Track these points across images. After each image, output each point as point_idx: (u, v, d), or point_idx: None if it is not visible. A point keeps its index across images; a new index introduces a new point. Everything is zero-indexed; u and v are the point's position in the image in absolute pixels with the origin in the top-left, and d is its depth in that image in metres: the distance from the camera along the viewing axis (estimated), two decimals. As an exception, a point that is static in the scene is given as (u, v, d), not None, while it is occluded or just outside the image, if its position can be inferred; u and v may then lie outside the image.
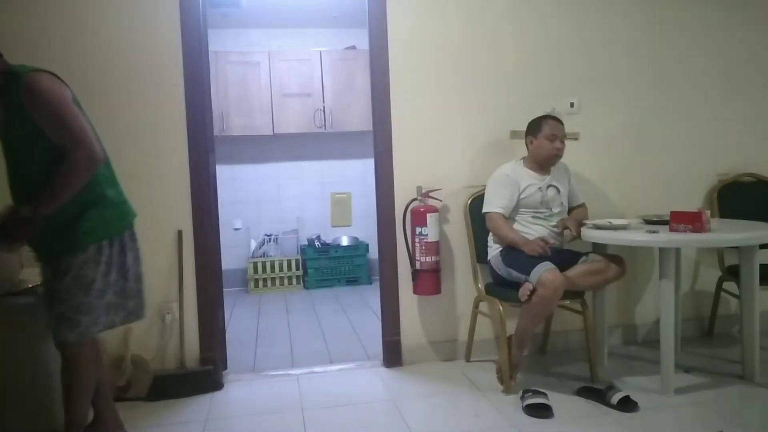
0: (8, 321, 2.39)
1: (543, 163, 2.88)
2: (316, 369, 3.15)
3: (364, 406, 2.68)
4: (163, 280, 2.94)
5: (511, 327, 2.78)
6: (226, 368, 3.08)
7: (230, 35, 5.43)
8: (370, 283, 5.44)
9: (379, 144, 3.13)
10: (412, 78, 3.10)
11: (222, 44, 5.30)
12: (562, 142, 2.85)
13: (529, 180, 2.86)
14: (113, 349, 2.87)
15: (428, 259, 3.00)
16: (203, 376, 2.89)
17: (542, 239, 2.73)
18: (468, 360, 3.16)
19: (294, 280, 5.48)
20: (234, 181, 5.56)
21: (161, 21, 2.89)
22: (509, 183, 2.84)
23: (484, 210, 2.90)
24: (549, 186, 2.88)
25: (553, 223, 2.87)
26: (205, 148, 2.97)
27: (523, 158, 2.95)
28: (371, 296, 4.91)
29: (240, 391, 2.91)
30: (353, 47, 5.48)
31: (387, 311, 3.17)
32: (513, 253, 2.77)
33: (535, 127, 2.88)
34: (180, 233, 2.94)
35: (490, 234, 2.92)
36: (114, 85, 2.86)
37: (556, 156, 2.86)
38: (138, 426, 2.54)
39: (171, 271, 2.94)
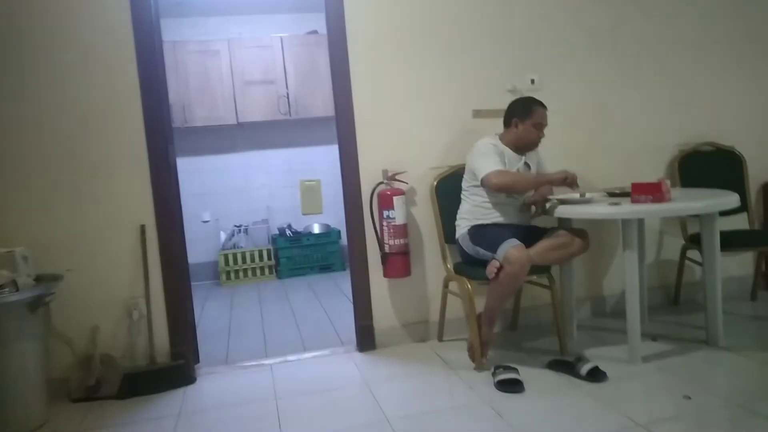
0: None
1: (522, 147, 2.87)
2: (290, 357, 3.14)
3: (338, 391, 2.68)
4: (128, 276, 2.89)
5: (480, 305, 2.81)
6: (198, 362, 3.05)
7: (187, 24, 5.31)
8: (344, 270, 5.43)
9: (342, 128, 3.11)
10: (371, 60, 3.08)
11: (179, 34, 5.19)
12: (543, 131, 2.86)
13: (509, 156, 2.85)
14: (81, 348, 2.82)
15: (397, 242, 3.00)
16: (175, 370, 2.86)
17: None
18: (440, 340, 3.18)
19: (266, 271, 5.45)
20: (200, 173, 5.48)
21: (111, 10, 2.80)
22: (497, 153, 2.79)
23: (482, 174, 2.73)
24: (524, 163, 2.89)
25: (521, 201, 2.89)
26: (163, 140, 2.90)
27: (499, 135, 2.91)
28: (345, 282, 4.89)
29: (213, 383, 2.89)
30: (315, 32, 5.41)
31: (359, 296, 3.17)
32: (480, 231, 2.78)
33: (525, 111, 2.83)
34: (143, 227, 2.89)
35: (460, 213, 2.92)
36: (66, 78, 2.78)
37: (537, 144, 2.88)
38: (110, 425, 2.51)
39: (136, 267, 2.89)
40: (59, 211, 2.80)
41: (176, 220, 2.99)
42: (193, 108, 5.12)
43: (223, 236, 5.49)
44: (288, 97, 5.32)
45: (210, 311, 4.42)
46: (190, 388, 2.84)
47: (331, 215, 5.66)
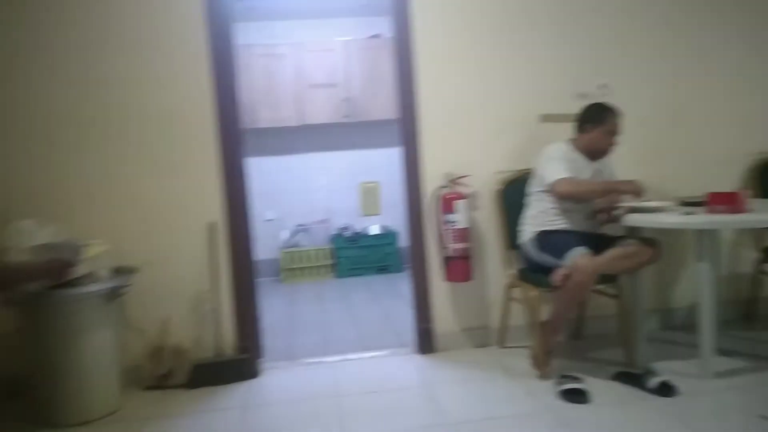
0: (57, 311, 2.47)
1: (593, 154, 2.81)
2: (350, 356, 3.18)
3: (399, 392, 2.70)
4: (198, 271, 2.99)
5: (544, 312, 2.76)
6: (261, 356, 3.12)
7: (255, 28, 5.45)
8: (401, 271, 5.44)
9: (406, 131, 3.13)
10: (437, 64, 3.08)
11: (247, 38, 5.33)
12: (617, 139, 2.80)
13: (581, 164, 2.79)
14: (153, 338, 2.94)
15: (458, 246, 2.99)
16: (240, 364, 2.95)
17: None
18: (501, 346, 3.15)
19: (325, 270, 5.53)
20: (264, 173, 5.60)
21: (186, 13, 2.91)
22: (567, 159, 2.74)
23: (549, 180, 2.69)
24: (595, 170, 2.83)
25: (589, 208, 2.83)
26: (234, 141, 3.00)
27: (571, 140, 2.85)
28: (402, 284, 4.91)
29: (276, 378, 2.96)
30: (378, 35, 5.46)
31: (419, 299, 3.18)
32: (546, 237, 2.74)
33: (598, 117, 2.77)
34: (213, 225, 2.99)
35: (525, 218, 2.89)
36: (143, 79, 2.91)
37: (609, 152, 2.81)
38: (179, 413, 2.62)
39: (205, 263, 2.99)
40: (136, 207, 2.93)
41: (244, 218, 3.07)
42: (258, 109, 5.25)
43: (284, 235, 5.61)
44: (350, 100, 5.38)
45: (271, 307, 4.50)
46: (254, 382, 2.92)
47: (389, 217, 5.70)
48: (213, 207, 2.98)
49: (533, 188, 2.87)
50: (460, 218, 2.97)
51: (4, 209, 2.74)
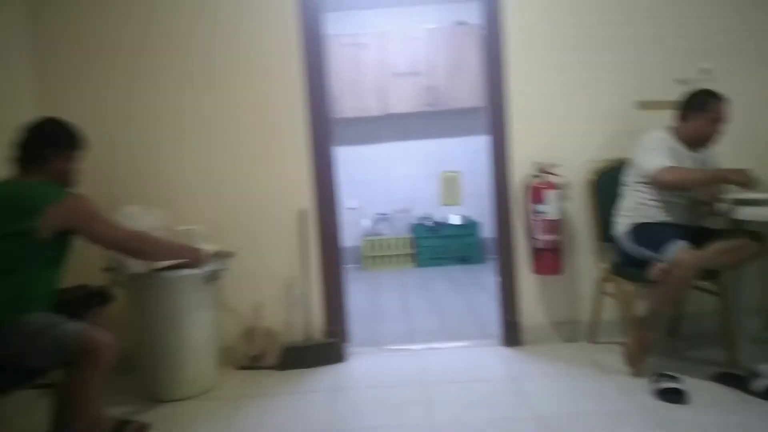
0: (162, 292, 2.62)
1: (695, 143, 2.67)
2: (435, 345, 3.19)
3: (486, 383, 2.69)
4: (289, 257, 3.09)
5: (640, 308, 2.66)
6: (348, 341, 3.19)
7: (340, 18, 5.52)
8: (482, 263, 5.40)
9: (494, 120, 3.08)
10: (528, 50, 3.01)
11: (333, 27, 5.40)
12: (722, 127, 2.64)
13: (681, 153, 2.65)
14: (246, 321, 3.07)
15: (548, 237, 2.93)
16: (328, 348, 3.02)
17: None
18: (591, 341, 3.06)
19: (406, 259, 5.56)
20: (347, 162, 5.68)
21: (279, 6, 2.99)
22: (666, 147, 2.61)
23: (650, 169, 2.56)
24: (696, 160, 2.68)
25: (690, 199, 2.69)
26: (324, 130, 3.06)
27: (671, 128, 2.72)
28: (484, 275, 4.89)
29: (362, 363, 3.01)
30: (463, 23, 5.40)
31: (505, 290, 3.14)
32: (644, 229, 2.63)
33: (702, 104, 2.62)
34: (303, 212, 3.07)
35: (620, 209, 2.78)
36: (238, 72, 3.02)
37: (713, 141, 2.66)
38: (271, 393, 2.72)
39: (296, 249, 3.08)
40: (232, 194, 3.06)
41: (332, 206, 3.14)
42: (343, 99, 5.32)
43: (366, 223, 5.68)
44: (433, 89, 5.36)
45: (354, 294, 4.58)
46: (341, 366, 2.99)
47: (470, 207, 5.66)
48: (303, 195, 3.06)
49: (630, 178, 2.75)
50: (550, 209, 2.90)
51: (114, 195, 2.92)
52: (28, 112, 2.94)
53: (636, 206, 2.70)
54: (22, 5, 2.93)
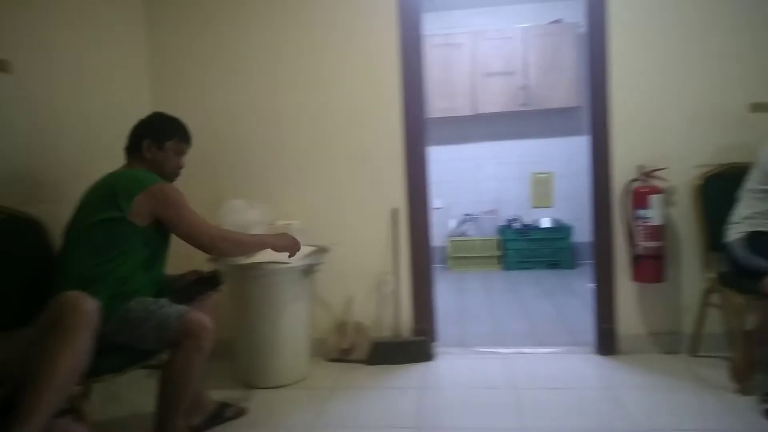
0: (262, 283, 2.73)
1: None
2: (525, 350, 3.14)
3: (578, 391, 2.61)
4: (380, 255, 3.13)
5: (750, 321, 2.50)
6: (436, 340, 3.19)
7: (434, 18, 5.52)
8: (573, 268, 5.24)
9: (595, 120, 2.98)
10: (632, 48, 2.89)
11: (426, 27, 5.42)
12: None
13: None
14: (338, 314, 3.14)
15: (650, 244, 2.80)
16: (416, 346, 3.04)
17: None
18: (693, 354, 2.90)
19: (492, 261, 5.49)
20: (434, 162, 5.67)
21: (380, 7, 3.04)
22: None
23: None
24: None
25: None
26: (419, 130, 3.08)
27: None
28: (575, 281, 4.75)
29: (450, 363, 3.01)
30: (559, 21, 5.26)
31: (601, 297, 3.03)
32: (762, 239, 2.46)
33: None
34: (396, 211, 3.10)
35: (735, 216, 2.60)
36: (337, 71, 3.10)
37: None
38: (360, 386, 2.77)
39: (387, 246, 3.12)
40: (327, 191, 3.14)
41: (424, 206, 3.15)
42: (432, 99, 5.32)
43: (452, 223, 5.66)
44: (526, 88, 5.26)
45: (441, 294, 4.58)
46: (429, 365, 3.00)
47: (562, 210, 5.51)
48: (396, 194, 3.10)
49: (753, 185, 2.56)
50: (653, 214, 2.78)
51: (220, 189, 3.09)
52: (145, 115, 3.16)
53: (755, 215, 2.52)
54: (141, 15, 3.14)
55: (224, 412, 2.44)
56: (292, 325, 2.83)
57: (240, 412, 2.49)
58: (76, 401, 1.61)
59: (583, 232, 5.11)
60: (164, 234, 2.17)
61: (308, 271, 2.84)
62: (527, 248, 5.38)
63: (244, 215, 2.79)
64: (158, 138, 2.21)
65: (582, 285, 4.45)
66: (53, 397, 1.24)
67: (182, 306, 2.03)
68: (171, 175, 2.26)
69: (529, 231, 5.41)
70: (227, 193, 3.02)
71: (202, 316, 1.99)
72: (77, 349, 1.34)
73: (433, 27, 5.46)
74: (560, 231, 5.35)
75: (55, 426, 1.22)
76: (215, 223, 2.61)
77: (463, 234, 5.61)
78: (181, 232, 2.10)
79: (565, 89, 5.19)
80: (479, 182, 5.75)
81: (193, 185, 3.17)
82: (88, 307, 1.42)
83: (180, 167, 2.30)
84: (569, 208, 5.43)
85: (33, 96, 2.25)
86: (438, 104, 5.35)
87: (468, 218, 5.65)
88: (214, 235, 2.13)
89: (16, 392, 1.28)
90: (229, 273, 2.77)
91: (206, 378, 2.37)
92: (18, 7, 2.24)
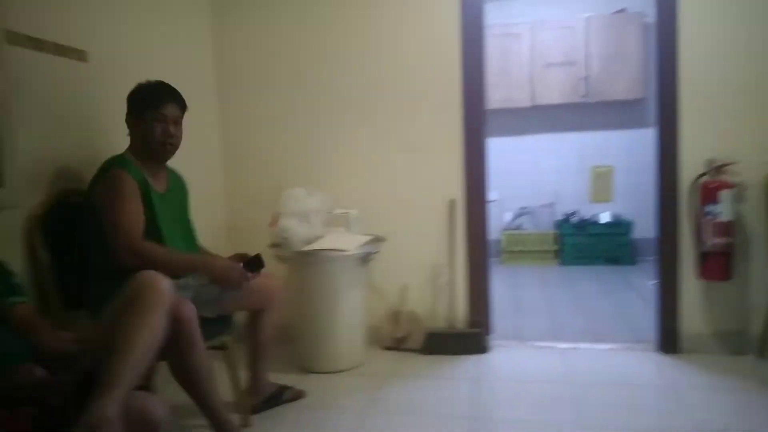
0: (321, 270, 2.79)
1: None
2: (582, 345, 3.09)
3: (640, 389, 2.56)
4: (436, 245, 3.14)
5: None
6: (491, 333, 3.18)
7: (493, 8, 5.42)
8: (633, 264, 5.10)
9: (662, 112, 2.89)
10: (703, 38, 2.78)
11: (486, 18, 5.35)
12: None
13: None
14: (393, 303, 3.17)
15: (718, 240, 2.70)
16: (471, 337, 3.04)
17: None
18: (761, 356, 2.79)
19: (548, 255, 5.40)
20: (491, 154, 5.63)
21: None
22: None
23: None
24: None
25: None
26: (478, 121, 3.06)
27: None
28: (634, 278, 4.63)
29: (505, 356, 2.99)
30: (622, 10, 5.11)
31: (664, 294, 2.94)
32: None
33: None
34: (453, 202, 3.10)
35: None
36: (397, 61, 3.10)
37: None
38: (415, 375, 2.80)
39: (443, 237, 3.12)
40: (383, 181, 3.17)
41: (482, 198, 3.14)
42: (490, 90, 5.25)
43: (507, 216, 5.60)
44: (588, 79, 5.13)
45: (495, 287, 4.55)
46: (483, 357, 2.99)
47: (622, 205, 5.36)
48: (454, 185, 3.09)
49: None
50: (723, 210, 2.68)
51: (280, 177, 3.16)
52: (211, 106, 3.26)
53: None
54: (206, 8, 3.24)
55: (283, 395, 2.50)
56: (349, 312, 2.88)
57: (298, 395, 2.55)
58: (149, 377, 1.69)
59: (644, 228, 4.98)
60: (151, 210, 2.02)
61: (365, 259, 2.87)
62: (585, 243, 5.26)
63: (303, 203, 2.85)
64: (135, 111, 2.07)
65: (642, 282, 4.33)
66: (132, 371, 1.31)
67: None
68: (159, 147, 2.07)
69: (587, 225, 5.29)
70: (287, 181, 3.08)
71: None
72: (153, 326, 1.41)
73: (492, 17, 5.38)
74: (620, 226, 5.21)
75: (134, 398, 1.29)
76: (273, 211, 2.67)
77: (518, 227, 5.54)
78: (105, 223, 1.91)
79: (628, 80, 5.04)
80: (536, 175, 5.65)
81: (254, 173, 3.28)
82: (162, 286, 1.49)
83: (168, 135, 2.07)
84: (630, 202, 5.28)
85: (108, 84, 2.35)
86: (495, 95, 5.27)
87: (524, 211, 5.57)
88: (127, 245, 1.88)
89: (99, 367, 1.36)
90: (288, 259, 2.84)
91: (267, 362, 2.44)
92: (96, 0, 2.35)
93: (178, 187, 2.28)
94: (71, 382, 1.32)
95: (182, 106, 2.15)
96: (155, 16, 2.75)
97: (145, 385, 1.59)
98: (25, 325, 1.55)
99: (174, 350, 1.77)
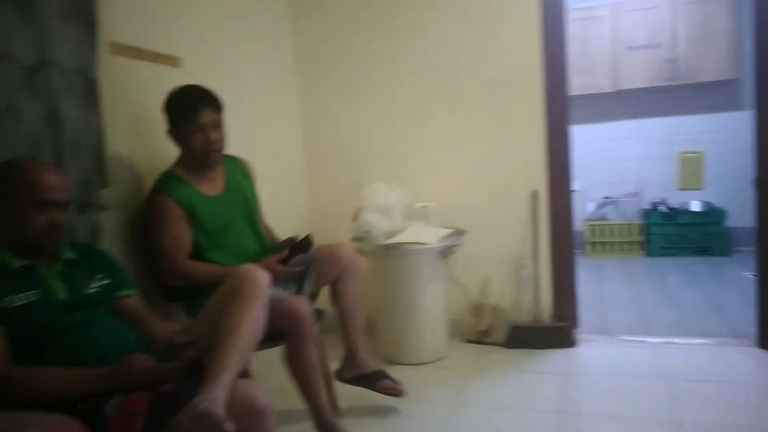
0: (402, 263, 2.82)
1: None
2: (675, 340, 2.96)
3: (739, 385, 2.43)
4: (518, 237, 3.09)
5: None
6: (577, 327, 3.11)
7: (571, -8, 5.28)
8: (726, 255, 4.83)
9: (761, 93, 2.71)
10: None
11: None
12: None
13: None
14: (474, 296, 3.16)
15: (828, 228, 2.52)
16: (557, 331, 2.98)
17: None
18: None
19: (634, 247, 5.20)
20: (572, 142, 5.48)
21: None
22: None
23: None
24: None
25: None
26: (561, 108, 2.99)
27: None
28: (729, 269, 4.38)
29: (593, 351, 2.92)
30: (713, -14, 4.82)
31: (765, 287, 2.77)
32: None
33: None
34: (535, 193, 3.04)
35: None
36: (476, 49, 3.07)
37: None
38: (499, 369, 2.78)
39: (526, 229, 3.08)
40: (464, 173, 3.15)
41: (566, 188, 3.06)
42: (570, 77, 5.10)
43: (590, 207, 5.43)
44: (674, 61, 4.88)
45: (579, 280, 4.44)
46: (570, 351, 2.92)
47: (714, 192, 5.08)
48: (537, 175, 3.04)
49: None
50: (833, 195, 2.49)
51: (360, 172, 3.21)
52: (293, 106, 3.35)
53: None
54: (287, 11, 3.32)
55: (378, 381, 2.34)
56: (431, 304, 2.89)
57: (394, 391, 2.34)
58: (248, 366, 1.76)
59: (738, 217, 4.70)
60: (198, 217, 2.08)
61: (446, 252, 2.88)
62: (674, 233, 5.02)
63: (384, 198, 2.89)
64: (173, 123, 2.07)
65: (738, 273, 4.10)
66: (237, 358, 1.38)
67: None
68: (204, 155, 2.07)
69: (676, 215, 5.05)
70: (367, 176, 3.13)
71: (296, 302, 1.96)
72: (255, 316, 1.48)
73: (570, 1, 5.23)
74: (712, 215, 4.93)
75: (239, 385, 1.36)
76: (357, 203, 2.72)
77: (602, 218, 5.36)
78: (154, 245, 2.04)
79: (718, 61, 4.75)
80: (620, 163, 5.44)
81: (335, 169, 3.35)
82: (260, 279, 1.56)
83: (210, 142, 2.05)
84: (722, 190, 5.00)
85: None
86: (575, 81, 5.11)
87: (607, 201, 5.39)
88: (172, 269, 2.02)
89: (204, 355, 1.44)
90: (370, 252, 2.89)
91: (357, 333, 2.39)
92: (187, 8, 2.47)
93: (238, 177, 2.28)
94: (180, 369, 1.41)
95: (218, 107, 2.10)
96: (240, 22, 2.85)
97: (245, 372, 1.67)
98: (136, 316, 1.66)
99: (289, 345, 1.91)
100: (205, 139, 2.04)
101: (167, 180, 2.07)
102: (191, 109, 2.02)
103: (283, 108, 3.25)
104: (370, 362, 2.39)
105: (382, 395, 2.36)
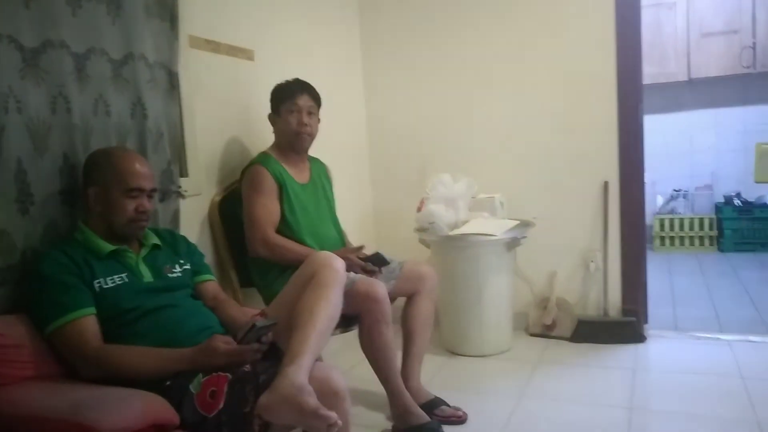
0: (466, 254, 2.82)
1: None
2: (752, 338, 2.84)
3: (824, 387, 2.31)
4: (587, 230, 3.03)
5: None
6: (646, 322, 3.02)
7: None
8: (806, 250, 4.58)
9: None
10: None
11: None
12: None
13: None
14: (539, 289, 3.12)
15: None
16: (625, 326, 2.91)
17: None
18: None
19: (706, 241, 5.00)
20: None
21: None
22: None
23: None
24: None
25: None
26: (634, 98, 2.90)
27: None
28: (810, 265, 4.16)
29: (664, 347, 2.83)
30: (798, -33, 4.55)
31: None
32: None
33: None
34: (606, 184, 2.97)
35: None
36: (546, 41, 3.01)
37: None
38: (566, 363, 2.74)
39: (595, 221, 3.01)
40: (532, 165, 3.10)
41: (639, 180, 2.97)
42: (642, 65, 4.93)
43: (660, 200, 5.25)
44: (753, 48, 4.64)
45: (648, 274, 4.31)
46: (640, 346, 2.85)
47: (794, 185, 4.81)
48: (608, 166, 2.96)
49: None
50: None
51: (426, 163, 3.22)
52: (359, 100, 3.38)
53: None
54: (356, 10, 3.36)
55: (435, 409, 2.21)
56: (495, 296, 2.87)
57: (454, 417, 2.21)
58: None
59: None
60: (288, 194, 2.18)
61: (512, 244, 2.85)
62: (750, 228, 4.81)
63: (450, 189, 2.88)
64: (274, 107, 2.26)
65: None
66: (315, 341, 1.42)
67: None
68: (294, 136, 2.21)
69: (752, 209, 4.82)
70: (433, 167, 3.13)
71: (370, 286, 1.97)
72: (331, 301, 1.51)
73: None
74: (791, 209, 4.69)
75: (315, 368, 1.40)
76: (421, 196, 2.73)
77: (672, 211, 5.17)
78: (244, 215, 2.14)
79: (804, 46, 4.50)
80: (692, 154, 5.24)
81: (398, 160, 3.37)
82: (337, 265, 1.59)
83: (302, 125, 2.19)
84: (804, 182, 4.73)
85: (272, 80, 2.51)
86: (647, 70, 4.93)
87: (678, 194, 5.19)
88: (260, 237, 2.08)
89: (281, 338, 1.49)
90: (434, 244, 2.89)
91: (417, 359, 2.30)
92: (260, 2, 2.53)
93: (321, 175, 2.41)
94: (260, 351, 1.46)
95: (315, 98, 2.26)
96: (311, 18, 2.89)
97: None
98: (215, 301, 1.73)
99: (365, 327, 1.97)
100: (299, 120, 2.19)
101: (263, 156, 2.21)
102: (291, 92, 2.20)
103: (349, 102, 3.29)
104: (423, 389, 2.28)
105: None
